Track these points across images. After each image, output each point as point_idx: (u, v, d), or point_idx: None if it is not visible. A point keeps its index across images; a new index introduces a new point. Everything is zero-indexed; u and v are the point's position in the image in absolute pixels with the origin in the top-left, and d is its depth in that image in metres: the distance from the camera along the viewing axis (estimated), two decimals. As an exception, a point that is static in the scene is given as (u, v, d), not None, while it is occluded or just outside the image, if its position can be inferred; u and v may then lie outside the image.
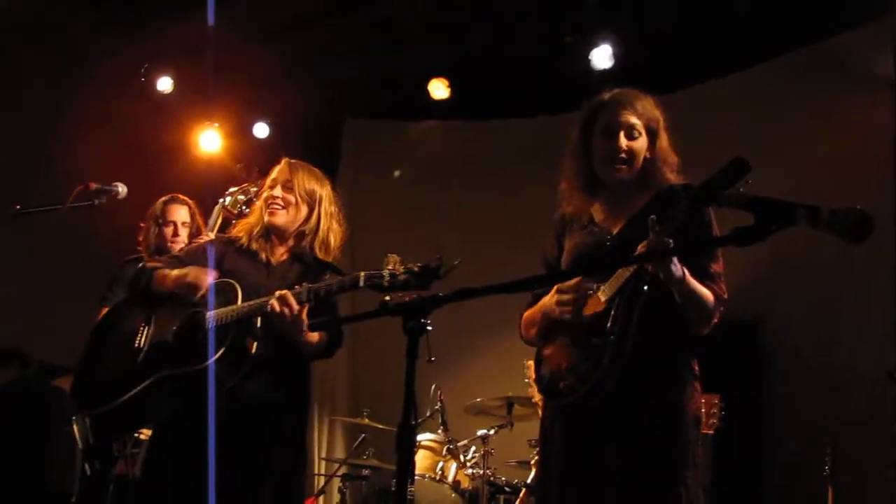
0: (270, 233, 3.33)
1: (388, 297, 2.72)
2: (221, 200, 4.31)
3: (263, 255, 3.29)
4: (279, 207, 3.27)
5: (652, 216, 2.41)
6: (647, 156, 2.73)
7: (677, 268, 2.45)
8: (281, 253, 3.33)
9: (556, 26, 6.47)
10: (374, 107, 7.69)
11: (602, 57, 6.41)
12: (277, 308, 2.93)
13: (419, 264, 2.70)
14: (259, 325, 3.03)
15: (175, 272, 3.22)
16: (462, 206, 7.35)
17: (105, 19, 6.51)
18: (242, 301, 3.05)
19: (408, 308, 1.96)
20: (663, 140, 2.76)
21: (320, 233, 3.32)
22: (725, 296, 2.62)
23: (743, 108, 6.30)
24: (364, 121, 7.85)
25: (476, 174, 7.35)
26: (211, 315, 3.06)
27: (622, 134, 2.71)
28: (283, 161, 3.40)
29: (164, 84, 6.97)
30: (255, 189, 4.31)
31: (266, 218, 3.29)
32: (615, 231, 2.72)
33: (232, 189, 4.35)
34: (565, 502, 2.60)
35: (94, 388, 3.21)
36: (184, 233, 4.47)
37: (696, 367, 2.66)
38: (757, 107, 6.24)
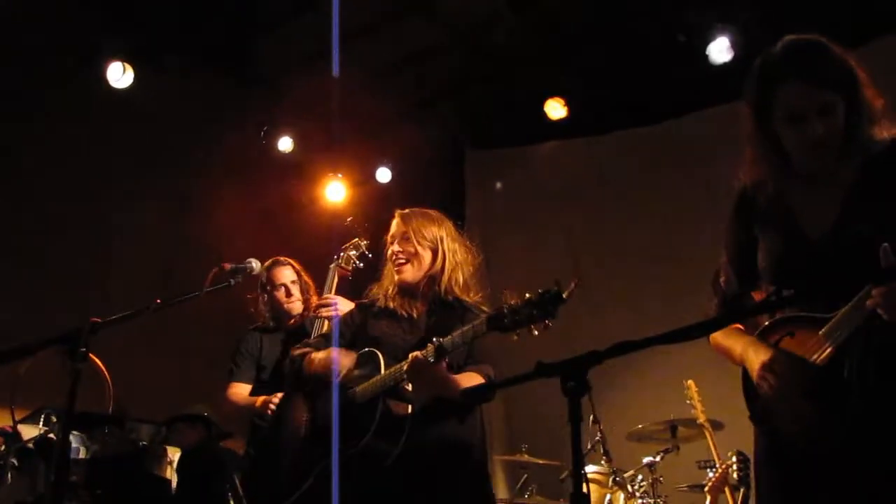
0: (405, 290, 3.27)
1: (517, 334, 2.58)
2: (336, 258, 4.32)
3: (404, 312, 3.23)
4: (403, 262, 3.23)
5: (885, 245, 1.92)
6: (846, 114, 2.16)
7: None
8: (419, 305, 3.26)
9: (667, 27, 6.25)
10: (494, 135, 7.62)
11: (720, 50, 6.16)
12: (411, 373, 2.88)
13: (538, 291, 2.55)
14: (409, 386, 2.95)
15: (320, 355, 3.23)
16: (596, 224, 7.17)
17: (221, 92, 6.70)
18: (385, 367, 3.00)
19: (566, 368, 1.82)
20: (861, 92, 2.17)
21: (446, 273, 3.23)
22: None
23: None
24: (485, 151, 7.79)
25: (605, 189, 7.17)
26: (335, 382, 3.07)
27: (814, 117, 2.14)
28: (396, 214, 3.36)
29: (285, 144, 7.13)
30: (365, 242, 4.31)
31: (396, 277, 3.26)
32: (820, 227, 2.19)
33: (343, 246, 4.35)
34: None
35: (276, 482, 3.27)
36: (296, 291, 4.48)
37: None
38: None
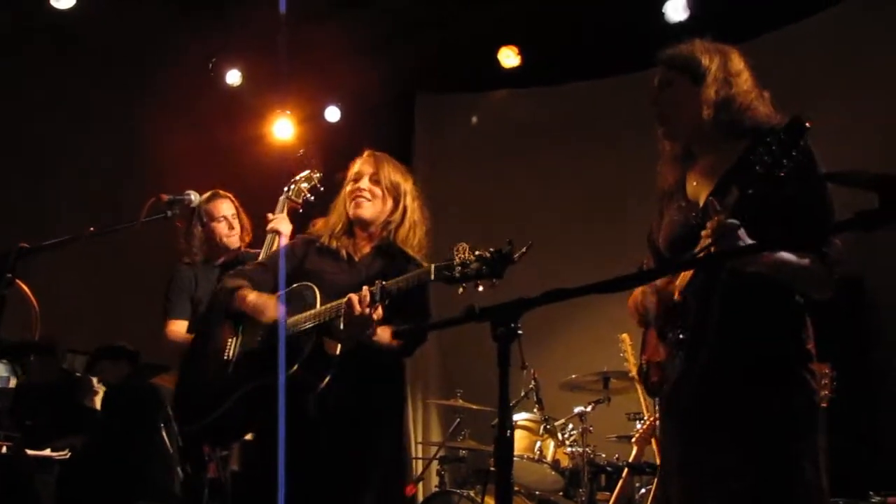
0: (354, 227, 3.26)
1: (463, 287, 2.60)
2: (286, 190, 4.25)
3: (344, 252, 3.21)
4: (366, 200, 3.20)
5: (711, 198, 2.18)
6: (704, 98, 2.44)
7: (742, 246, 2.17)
8: (364, 247, 3.25)
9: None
10: (445, 80, 7.54)
11: (676, 9, 6.17)
12: (351, 309, 2.85)
13: (490, 250, 2.56)
14: (341, 325, 2.94)
15: (252, 299, 3.14)
16: (542, 175, 7.17)
17: (172, 16, 6.51)
18: (321, 303, 2.98)
19: (496, 313, 1.83)
20: (711, 77, 2.44)
21: (406, 223, 3.24)
22: (841, 256, 2.29)
23: (834, 48, 5.96)
24: (435, 95, 7.72)
25: (553, 141, 7.18)
26: (282, 323, 3.00)
27: (656, 90, 2.55)
28: (366, 153, 3.32)
29: (233, 77, 6.99)
30: (318, 175, 4.25)
31: (352, 211, 3.22)
32: (703, 201, 2.44)
33: (295, 178, 4.27)
34: (673, 498, 2.45)
35: (192, 404, 3.22)
36: (236, 225, 4.42)
37: (810, 344, 2.36)
38: (848, 47, 5.89)
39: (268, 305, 3.09)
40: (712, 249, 2.19)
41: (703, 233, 2.20)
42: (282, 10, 5.55)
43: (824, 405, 3.52)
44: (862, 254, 5.17)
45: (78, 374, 5.48)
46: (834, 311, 2.53)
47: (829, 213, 2.32)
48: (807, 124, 2.09)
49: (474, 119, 7.53)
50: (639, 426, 4.83)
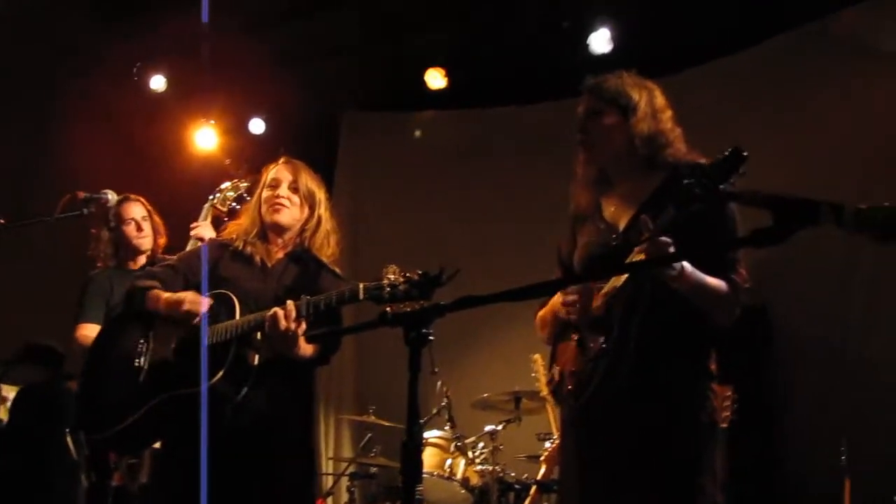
0: (269, 232, 3.24)
1: (388, 307, 2.64)
2: (211, 198, 4.20)
3: (258, 258, 3.19)
4: (285, 207, 3.20)
5: (644, 216, 2.31)
6: (636, 132, 2.57)
7: (674, 265, 2.32)
8: (277, 253, 3.23)
9: (554, 12, 6.36)
10: (372, 98, 7.59)
11: (601, 41, 6.33)
12: (276, 323, 2.84)
13: (419, 273, 2.61)
14: (259, 336, 2.94)
15: (167, 296, 3.09)
16: (464, 197, 7.25)
17: (96, 19, 6.41)
18: (241, 312, 2.97)
19: (409, 319, 1.87)
20: (641, 112, 2.58)
21: (321, 231, 3.25)
22: (746, 284, 2.45)
23: (751, 87, 6.20)
24: (362, 113, 7.75)
25: (476, 163, 7.26)
26: (204, 327, 2.96)
27: (583, 118, 2.66)
28: (283, 160, 3.31)
29: (157, 83, 6.90)
30: (245, 184, 4.22)
31: (269, 217, 3.20)
32: (622, 226, 2.57)
33: (221, 186, 4.24)
34: None
35: (98, 411, 3.12)
36: (146, 227, 4.37)
37: (713, 366, 2.51)
38: (762, 85, 6.14)
39: (183, 297, 3.04)
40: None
41: (637, 248, 2.31)
42: (204, 20, 5.52)
43: (724, 425, 3.66)
44: (765, 283, 5.40)
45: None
46: (738, 337, 2.66)
47: (735, 234, 2.46)
48: (744, 153, 2.21)
49: (398, 138, 7.58)
50: (548, 445, 4.91)
